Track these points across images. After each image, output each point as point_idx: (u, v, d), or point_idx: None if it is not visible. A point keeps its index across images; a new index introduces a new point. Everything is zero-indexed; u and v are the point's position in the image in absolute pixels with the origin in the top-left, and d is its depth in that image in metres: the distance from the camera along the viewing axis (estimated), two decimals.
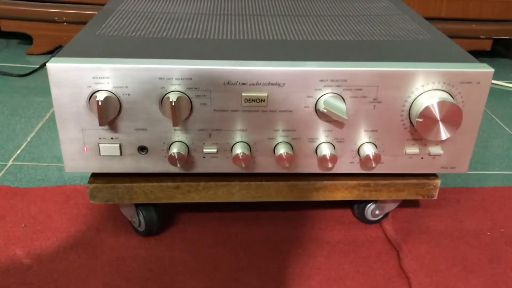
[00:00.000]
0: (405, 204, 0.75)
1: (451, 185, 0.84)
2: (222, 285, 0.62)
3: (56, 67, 0.53)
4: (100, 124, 0.54)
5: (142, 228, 0.68)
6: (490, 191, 0.82)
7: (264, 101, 0.56)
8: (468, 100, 0.57)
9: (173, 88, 0.54)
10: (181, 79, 0.54)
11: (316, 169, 0.61)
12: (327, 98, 0.55)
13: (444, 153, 0.61)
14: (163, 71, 0.53)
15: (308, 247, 0.68)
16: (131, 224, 0.69)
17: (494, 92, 1.25)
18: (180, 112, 0.55)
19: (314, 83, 0.55)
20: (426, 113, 0.55)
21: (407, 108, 0.57)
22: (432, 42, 0.64)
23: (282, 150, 0.58)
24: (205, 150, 0.58)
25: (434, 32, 0.68)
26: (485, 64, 0.57)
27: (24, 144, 0.92)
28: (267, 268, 0.64)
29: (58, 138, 0.57)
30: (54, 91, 0.54)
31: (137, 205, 0.66)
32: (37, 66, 1.26)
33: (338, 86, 0.55)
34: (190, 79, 0.54)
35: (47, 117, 1.02)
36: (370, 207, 0.70)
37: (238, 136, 0.58)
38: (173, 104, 0.53)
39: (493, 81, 1.29)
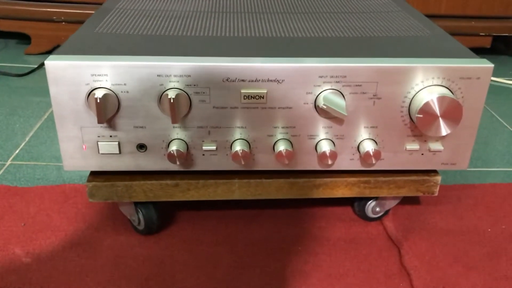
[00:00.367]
0: (405, 201, 0.75)
1: (452, 182, 0.84)
2: (222, 283, 0.61)
3: (54, 64, 0.53)
4: (99, 122, 0.54)
5: (141, 227, 0.67)
6: (490, 187, 0.82)
7: (263, 97, 0.55)
8: (468, 95, 0.57)
9: (172, 85, 0.54)
10: (180, 76, 0.54)
11: (316, 166, 0.61)
12: (326, 94, 0.55)
13: (444, 149, 0.60)
14: (161, 68, 0.53)
15: (309, 245, 0.68)
16: (130, 223, 0.69)
17: (494, 89, 1.25)
18: (179, 109, 0.54)
19: (314, 80, 0.55)
20: (426, 109, 0.54)
21: (407, 104, 0.57)
22: (431, 38, 0.63)
23: (281, 147, 0.57)
24: (204, 148, 0.58)
25: (433, 28, 0.67)
26: (484, 60, 0.57)
27: (23, 144, 0.91)
28: (268, 266, 0.64)
29: (57, 138, 0.57)
30: (52, 89, 0.54)
31: (136, 204, 0.66)
32: (36, 66, 1.26)
33: (337, 82, 0.55)
34: (189, 76, 0.54)
35: (45, 116, 1.02)
36: (371, 204, 0.70)
37: (238, 133, 0.58)
38: (172, 101, 0.53)
39: (493, 78, 1.29)
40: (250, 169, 0.61)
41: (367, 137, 0.59)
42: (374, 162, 0.59)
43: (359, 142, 0.59)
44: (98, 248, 0.66)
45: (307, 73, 0.54)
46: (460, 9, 1.32)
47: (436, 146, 0.60)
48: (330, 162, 0.58)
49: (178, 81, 0.54)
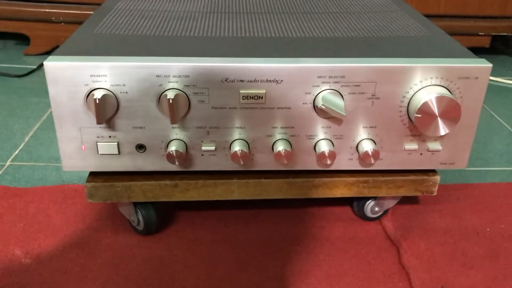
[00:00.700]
0: (404, 200, 0.75)
1: (451, 181, 0.84)
2: (222, 283, 0.61)
3: (53, 65, 0.53)
4: (98, 123, 0.54)
5: (141, 227, 0.67)
6: (489, 187, 0.82)
7: (262, 98, 0.55)
8: (467, 95, 0.57)
9: (170, 85, 0.54)
10: (179, 76, 0.54)
11: (315, 166, 0.61)
12: (325, 94, 0.55)
13: (443, 148, 0.60)
14: (160, 68, 0.53)
15: (308, 245, 0.68)
16: (129, 223, 0.69)
17: (493, 89, 1.25)
18: (178, 110, 0.54)
19: (312, 80, 0.55)
20: (424, 109, 0.54)
21: (405, 104, 0.57)
22: (430, 38, 0.64)
23: (280, 147, 0.57)
24: (203, 148, 0.58)
25: (432, 28, 0.67)
26: (483, 59, 0.57)
27: (22, 145, 0.91)
28: (267, 266, 0.64)
29: (56, 138, 0.57)
30: (51, 90, 0.54)
31: (135, 204, 0.66)
32: (35, 67, 1.26)
33: (336, 82, 0.55)
34: (188, 76, 0.54)
35: (44, 117, 1.02)
36: (370, 204, 0.70)
37: (237, 134, 0.58)
38: (170, 101, 0.53)
39: (492, 78, 1.29)
40: (249, 169, 0.61)
41: (366, 137, 0.59)
42: (373, 162, 0.59)
43: (358, 142, 0.59)
44: (97, 248, 0.66)
45: (306, 73, 0.54)
46: (459, 8, 1.32)
47: (434, 145, 0.60)
48: (329, 162, 0.58)
49: (177, 82, 0.54)
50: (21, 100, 1.09)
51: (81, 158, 0.58)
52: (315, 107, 0.56)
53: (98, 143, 0.57)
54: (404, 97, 0.56)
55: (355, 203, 0.73)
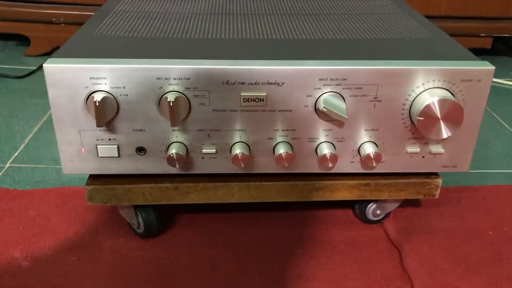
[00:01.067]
0: (406, 203, 0.75)
1: (453, 184, 0.83)
2: (222, 286, 0.61)
3: (52, 68, 0.52)
4: (98, 125, 0.53)
5: (141, 230, 0.67)
6: (492, 189, 0.82)
7: (263, 100, 0.55)
8: (469, 98, 0.56)
9: (171, 88, 0.54)
10: (179, 79, 0.53)
11: (316, 169, 0.60)
12: (326, 97, 0.55)
13: (445, 151, 0.60)
14: (161, 71, 0.53)
15: (309, 248, 0.68)
16: (130, 226, 0.69)
17: (495, 91, 1.24)
18: (178, 113, 0.54)
19: (314, 82, 0.54)
20: (427, 112, 0.54)
21: (407, 106, 0.56)
22: (432, 40, 0.63)
23: (281, 150, 0.57)
24: (204, 151, 0.58)
25: (434, 30, 0.67)
26: (486, 62, 0.56)
27: (22, 146, 0.91)
28: (268, 269, 0.64)
29: (56, 140, 0.56)
30: (51, 92, 0.53)
31: (136, 207, 0.65)
32: (35, 68, 1.25)
33: (337, 85, 0.55)
34: (188, 79, 0.53)
35: (44, 119, 1.02)
36: (371, 207, 0.70)
37: (237, 136, 0.57)
38: (171, 104, 0.52)
39: (494, 80, 1.28)
40: (250, 172, 0.60)
41: (368, 140, 0.59)
42: (374, 165, 0.59)
43: (359, 144, 0.59)
44: (98, 251, 0.66)
45: (307, 75, 0.54)
46: (460, 10, 1.31)
47: (437, 148, 0.60)
48: (330, 165, 0.58)
49: (177, 84, 0.53)
50: (21, 101, 1.09)
51: (81, 161, 0.58)
52: (316, 109, 0.56)
53: (98, 146, 0.57)
54: (406, 99, 0.56)
55: (357, 206, 0.72)
